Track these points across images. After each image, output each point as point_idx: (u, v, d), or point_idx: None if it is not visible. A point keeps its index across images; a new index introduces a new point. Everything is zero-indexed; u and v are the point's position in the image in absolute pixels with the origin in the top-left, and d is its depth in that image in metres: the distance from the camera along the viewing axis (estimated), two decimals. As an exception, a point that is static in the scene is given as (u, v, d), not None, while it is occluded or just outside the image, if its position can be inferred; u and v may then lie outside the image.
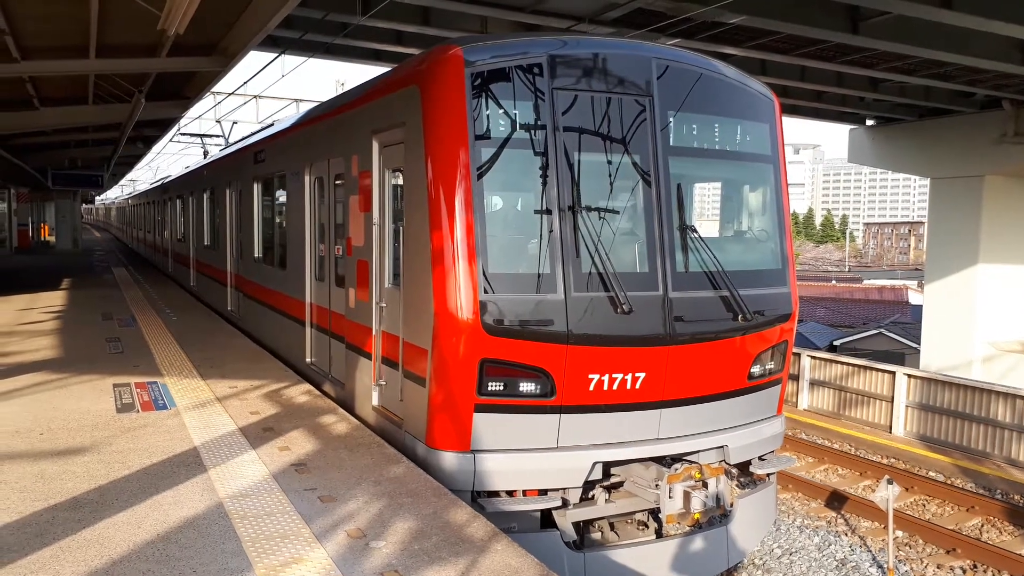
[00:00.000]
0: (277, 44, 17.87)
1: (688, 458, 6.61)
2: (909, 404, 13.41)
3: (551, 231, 6.13)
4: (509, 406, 6.08)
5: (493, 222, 6.20)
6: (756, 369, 6.92)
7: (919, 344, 26.10)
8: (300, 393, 8.43)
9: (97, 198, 77.04)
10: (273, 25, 10.83)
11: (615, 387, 6.22)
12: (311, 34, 16.67)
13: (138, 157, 39.51)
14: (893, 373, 13.70)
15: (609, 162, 6.39)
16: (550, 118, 6.18)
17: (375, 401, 7.42)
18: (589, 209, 6.25)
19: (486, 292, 5.93)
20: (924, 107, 22.61)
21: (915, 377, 13.57)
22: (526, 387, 6.04)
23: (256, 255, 12.52)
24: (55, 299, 17.24)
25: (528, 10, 14.45)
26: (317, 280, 9.33)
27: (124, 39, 12.73)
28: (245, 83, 20.90)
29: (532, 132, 6.16)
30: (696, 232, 6.62)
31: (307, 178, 9.53)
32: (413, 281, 6.47)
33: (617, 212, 6.42)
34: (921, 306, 29.23)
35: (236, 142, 17.46)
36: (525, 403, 6.08)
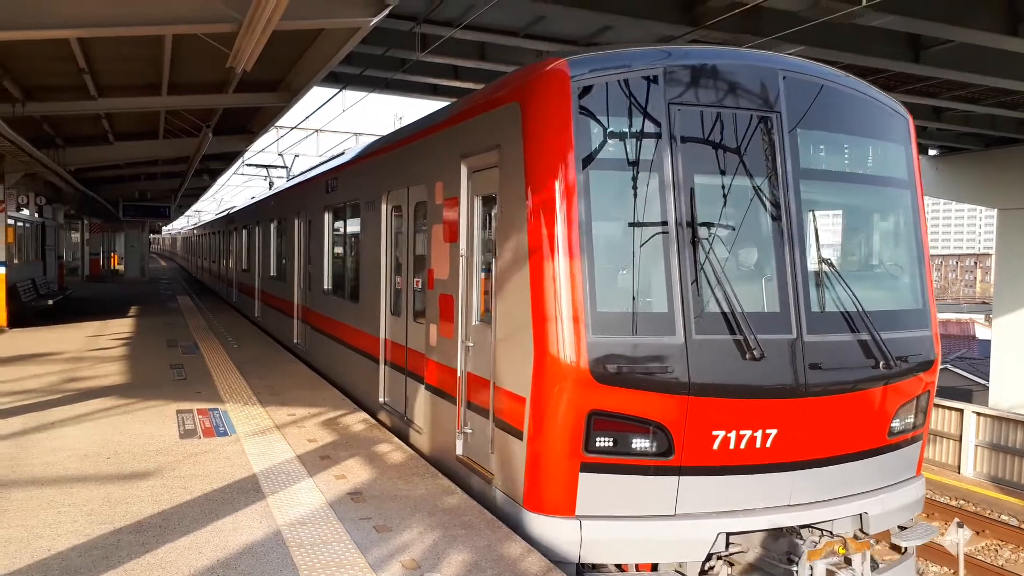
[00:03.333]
0: (338, 80, 18.38)
1: (820, 527, 5.72)
2: (979, 443, 12.93)
3: (668, 265, 5.37)
4: (620, 466, 5.28)
5: (603, 254, 5.41)
6: (897, 424, 6.02)
7: (988, 380, 25.16)
8: (356, 421, 8.52)
9: (163, 228, 79.71)
10: (335, 62, 11.18)
11: (742, 446, 5.36)
12: (371, 70, 17.10)
13: (203, 189, 40.89)
14: (961, 411, 13.24)
15: (732, 186, 5.61)
16: (666, 137, 5.46)
17: (459, 451, 6.67)
18: (711, 239, 5.47)
19: (595, 334, 5.19)
20: (990, 136, 22.02)
21: (984, 415, 13.08)
22: (640, 444, 5.26)
23: (325, 287, 12.06)
24: (123, 326, 17.82)
25: (582, 43, 14.59)
26: (393, 315, 8.76)
27: (194, 77, 13.28)
28: (307, 117, 21.59)
29: (646, 153, 5.44)
30: (833, 266, 5.81)
31: (383, 207, 9.00)
32: (508, 319, 5.77)
33: (743, 243, 5.68)
34: (989, 341, 28.20)
35: (303, 172, 17.38)
36: (639, 463, 5.28)
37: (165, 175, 29.14)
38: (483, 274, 6.51)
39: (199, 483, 6.34)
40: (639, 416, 5.23)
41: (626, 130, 5.47)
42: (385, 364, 8.97)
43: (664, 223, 5.42)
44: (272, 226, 16.91)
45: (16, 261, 21.52)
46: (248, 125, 19.21)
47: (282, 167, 30.07)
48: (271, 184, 30.11)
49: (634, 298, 5.43)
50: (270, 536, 5.24)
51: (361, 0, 8.45)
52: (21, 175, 18.10)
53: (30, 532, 5.24)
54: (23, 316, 18.80)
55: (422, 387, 7.62)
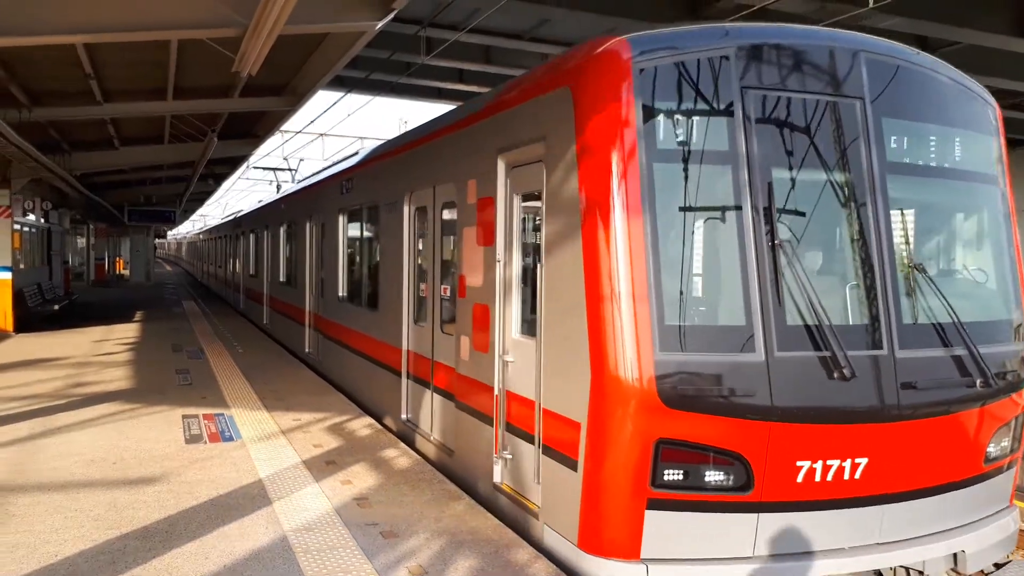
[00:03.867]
0: (343, 84, 18.41)
1: (912, 568, 5.20)
2: None
3: (746, 271, 4.72)
4: (692, 502, 4.65)
5: (670, 260, 4.73)
6: (993, 449, 5.39)
7: None
8: (362, 427, 8.50)
9: (169, 233, 79.95)
10: (341, 66, 11.19)
11: (828, 477, 4.73)
12: (376, 74, 17.12)
13: (208, 193, 41.01)
14: None
15: (813, 182, 4.99)
16: (739, 126, 4.81)
17: (496, 477, 6.07)
18: (792, 242, 4.85)
19: (664, 351, 4.54)
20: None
21: None
22: (714, 477, 4.64)
23: (340, 294, 11.34)
24: (128, 331, 17.84)
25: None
26: (416, 325, 8.13)
27: (199, 81, 13.30)
28: (312, 121, 21.55)
29: (717, 144, 4.83)
30: (926, 272, 5.16)
31: (406, 208, 8.34)
32: (559, 333, 5.09)
33: (826, 246, 5.14)
34: None
35: (314, 173, 16.76)
36: (713, 498, 4.66)
37: (170, 180, 29.22)
38: (525, 281, 5.95)
39: (205, 488, 6.32)
40: (714, 445, 4.60)
41: (694, 118, 4.83)
42: (408, 378, 8.37)
43: (740, 225, 4.76)
44: (281, 230, 16.45)
45: (22, 266, 21.58)
46: (253, 129, 19.25)
47: (289, 170, 30.04)
48: (278, 187, 29.84)
49: (708, 310, 4.88)
50: (276, 542, 5.22)
51: (366, 4, 8.46)
52: (27, 180, 18.16)
53: (37, 537, 5.23)
54: (29, 321, 18.85)
55: (452, 404, 7.02)
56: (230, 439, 7.91)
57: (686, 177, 4.81)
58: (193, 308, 24.55)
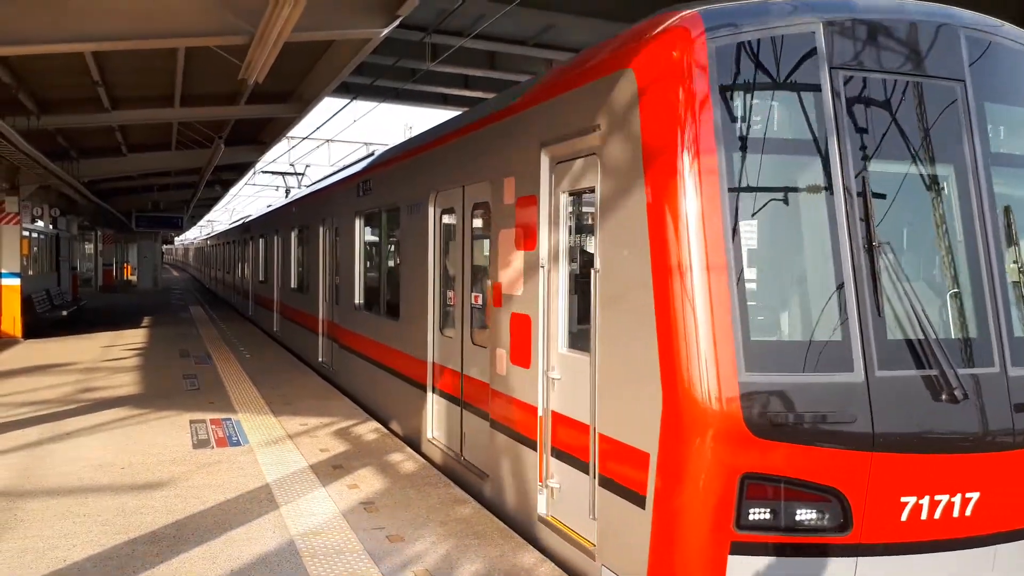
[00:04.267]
0: (349, 90, 18.49)
1: None
2: None
3: (841, 278, 4.12)
4: (782, 545, 4.05)
5: (755, 266, 4.23)
6: None
7: None
8: (368, 431, 8.53)
9: (176, 239, 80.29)
10: (347, 73, 11.26)
11: (936, 515, 4.12)
12: (382, 80, 17.20)
13: (216, 200, 41.16)
14: None
15: (913, 176, 4.40)
16: (830, 113, 4.23)
17: (542, 508, 5.43)
18: (890, 246, 4.24)
19: (750, 371, 3.92)
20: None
21: None
22: (806, 516, 4.05)
23: (357, 301, 10.81)
24: (136, 336, 17.93)
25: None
26: (443, 335, 7.60)
27: (206, 89, 13.40)
28: (318, 128, 21.64)
29: (804, 133, 4.25)
30: None
31: (431, 210, 7.76)
32: (620, 349, 4.48)
33: (927, 248, 4.55)
34: None
35: (326, 176, 16.40)
36: (806, 541, 4.07)
37: (177, 186, 29.38)
38: (574, 289, 5.36)
39: (212, 493, 6.36)
40: (807, 480, 4.00)
41: (776, 102, 4.25)
42: (434, 392, 7.79)
43: (832, 224, 4.17)
44: (293, 235, 15.98)
45: (31, 272, 21.71)
46: (260, 136, 19.35)
47: (296, 175, 30.04)
48: (287, 192, 29.58)
49: (798, 322, 4.23)
50: (283, 546, 5.24)
51: (372, 11, 8.52)
52: (36, 187, 18.29)
53: (46, 543, 5.27)
54: (38, 327, 18.96)
55: (485, 424, 6.42)
56: (237, 444, 7.95)
57: (770, 170, 4.21)
58: (200, 314, 24.64)
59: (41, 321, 19.73)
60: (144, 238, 42.21)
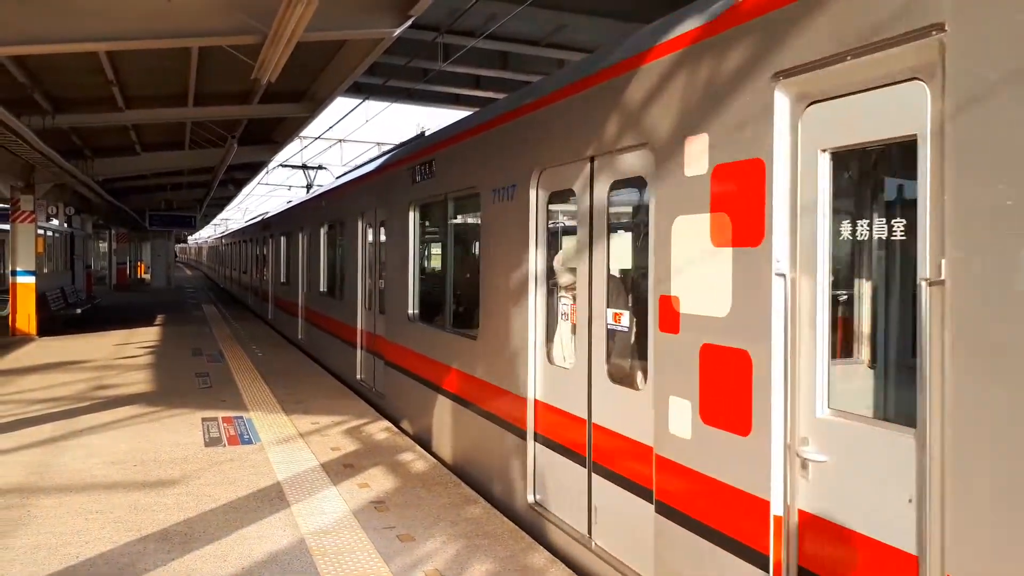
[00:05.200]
0: (361, 90, 18.53)
1: None
2: None
3: None
4: None
5: None
6: None
7: None
8: (379, 430, 8.54)
9: (189, 238, 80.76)
10: (359, 73, 11.28)
11: None
12: (394, 80, 17.23)
13: (229, 199, 41.33)
14: None
15: None
16: None
17: None
18: None
19: None
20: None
21: None
22: None
23: (412, 311, 8.79)
24: (149, 334, 18.03)
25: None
26: (552, 365, 5.66)
27: (219, 88, 13.45)
28: (331, 127, 21.72)
29: None
30: None
31: (532, 194, 5.87)
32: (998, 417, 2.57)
33: None
34: None
35: (358, 167, 14.39)
36: None
37: (191, 185, 29.52)
38: (849, 311, 3.50)
39: (224, 491, 6.38)
40: None
41: None
42: (537, 441, 5.83)
43: None
44: (322, 232, 14.23)
45: (46, 270, 21.87)
46: (273, 135, 19.42)
47: (319, 168, 29.44)
48: (308, 187, 28.05)
49: None
50: (294, 544, 5.26)
51: (384, 11, 8.53)
52: (51, 185, 18.43)
53: (59, 539, 5.30)
54: (52, 325, 19.10)
55: (647, 506, 4.38)
56: (249, 442, 7.98)
57: None
58: (213, 312, 24.75)
59: (55, 319, 19.87)
60: (157, 237, 42.50)
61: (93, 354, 14.51)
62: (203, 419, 8.98)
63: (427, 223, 8.89)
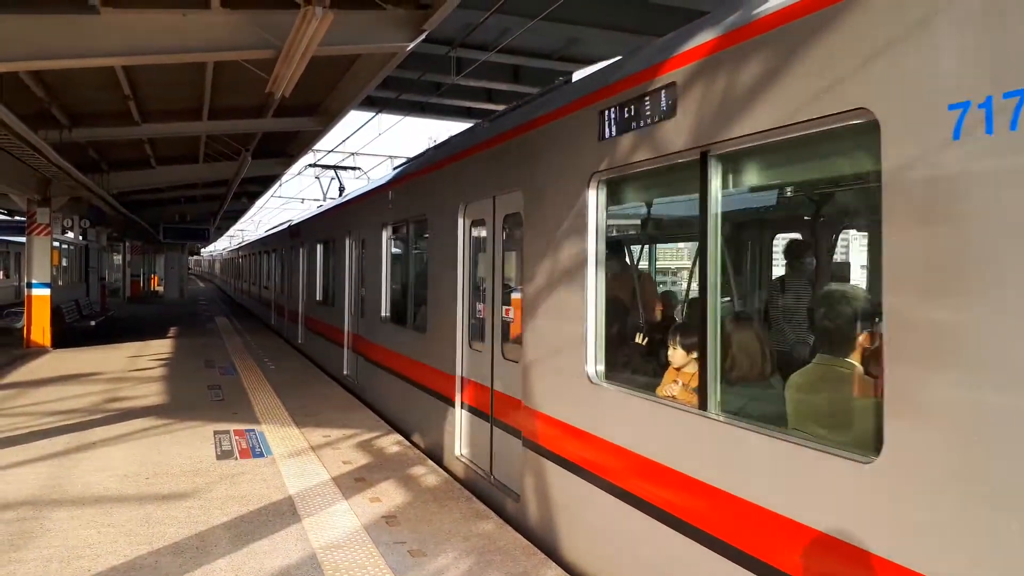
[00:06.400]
0: (374, 104, 18.62)
1: None
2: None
3: None
4: None
5: None
6: None
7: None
8: (391, 444, 8.52)
9: (203, 250, 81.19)
10: (372, 87, 11.34)
11: None
12: (407, 94, 17.31)
13: (242, 212, 41.58)
14: None
15: None
16: None
17: None
18: None
19: None
20: None
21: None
22: None
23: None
24: (162, 347, 18.10)
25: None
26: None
27: (234, 102, 13.55)
28: (344, 140, 21.80)
29: None
30: None
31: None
32: None
33: None
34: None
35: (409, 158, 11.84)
36: None
37: (205, 198, 29.71)
38: None
39: (236, 505, 6.37)
40: None
41: None
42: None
43: None
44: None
45: (60, 283, 22.03)
46: (286, 149, 19.54)
47: (354, 168, 28.65)
48: (341, 190, 25.27)
49: None
50: (306, 560, 5.23)
51: (398, 26, 8.57)
52: (67, 199, 18.58)
53: (71, 552, 5.30)
54: (67, 337, 19.20)
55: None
56: (260, 455, 7.97)
57: None
58: (225, 324, 24.84)
59: (70, 331, 20.00)
60: (171, 249, 42.72)
61: (106, 366, 14.57)
62: (215, 432, 8.99)
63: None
